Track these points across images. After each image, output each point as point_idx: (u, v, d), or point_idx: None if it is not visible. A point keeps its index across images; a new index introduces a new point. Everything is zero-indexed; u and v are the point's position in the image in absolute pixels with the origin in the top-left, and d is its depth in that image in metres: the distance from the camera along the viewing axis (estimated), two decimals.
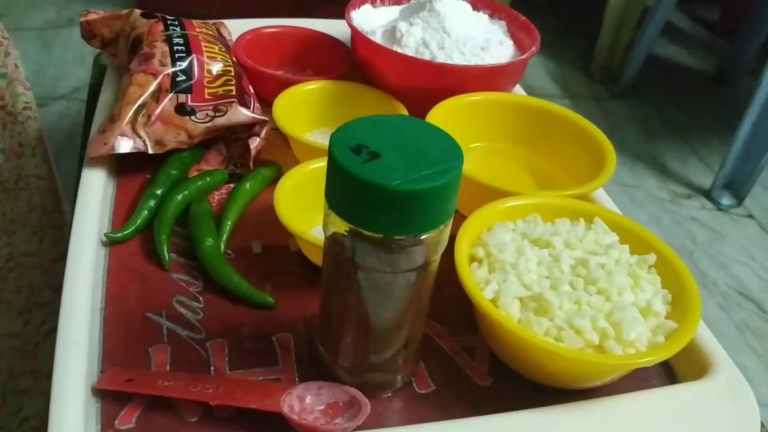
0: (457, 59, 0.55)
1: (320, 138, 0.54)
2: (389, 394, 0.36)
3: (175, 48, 0.51)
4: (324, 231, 0.32)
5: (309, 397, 0.34)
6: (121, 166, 0.50)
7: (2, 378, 0.52)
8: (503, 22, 0.61)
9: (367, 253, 0.30)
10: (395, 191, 0.27)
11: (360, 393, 0.34)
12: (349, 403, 0.34)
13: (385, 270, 0.31)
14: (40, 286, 0.59)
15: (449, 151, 0.29)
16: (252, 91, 0.55)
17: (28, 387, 0.52)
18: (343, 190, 0.29)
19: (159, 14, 0.55)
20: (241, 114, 0.50)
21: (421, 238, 0.30)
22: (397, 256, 0.30)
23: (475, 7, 0.61)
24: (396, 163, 0.28)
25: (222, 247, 0.44)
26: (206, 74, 0.51)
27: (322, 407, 0.33)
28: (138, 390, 0.35)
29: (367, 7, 0.62)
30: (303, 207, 0.43)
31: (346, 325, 0.34)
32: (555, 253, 0.39)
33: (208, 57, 0.52)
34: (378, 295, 0.32)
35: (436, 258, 0.32)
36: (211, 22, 0.60)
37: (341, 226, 0.30)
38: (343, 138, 0.29)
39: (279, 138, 0.53)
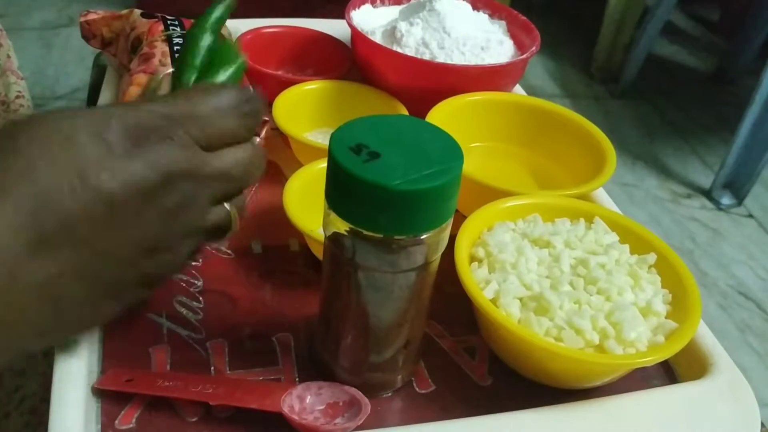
0: (457, 59, 0.55)
1: (320, 138, 0.54)
2: (389, 394, 0.36)
3: (175, 48, 0.51)
4: (324, 231, 0.32)
5: (309, 397, 0.34)
6: None
7: None
8: (503, 22, 0.61)
9: (367, 253, 0.30)
10: (395, 191, 0.27)
11: (360, 393, 0.34)
12: (349, 403, 0.34)
13: (385, 270, 0.31)
14: None
15: (449, 150, 0.29)
16: (252, 90, 0.55)
17: (24, 368, 0.51)
18: (343, 190, 0.29)
19: (159, 14, 0.55)
20: None
21: (421, 238, 0.30)
22: (397, 256, 0.30)
23: (475, 7, 0.61)
24: (396, 163, 0.28)
25: None
26: None
27: (322, 407, 0.33)
28: (138, 390, 0.35)
29: (367, 7, 0.62)
30: (311, 206, 0.43)
31: (346, 325, 0.34)
32: (555, 253, 0.39)
33: None
34: (378, 295, 0.32)
35: (437, 258, 0.32)
36: None
37: (341, 226, 0.30)
38: (343, 138, 0.29)
39: (279, 138, 0.53)
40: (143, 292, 0.31)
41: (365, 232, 0.29)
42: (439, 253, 0.32)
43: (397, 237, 0.29)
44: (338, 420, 0.33)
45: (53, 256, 0.26)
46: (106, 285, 0.29)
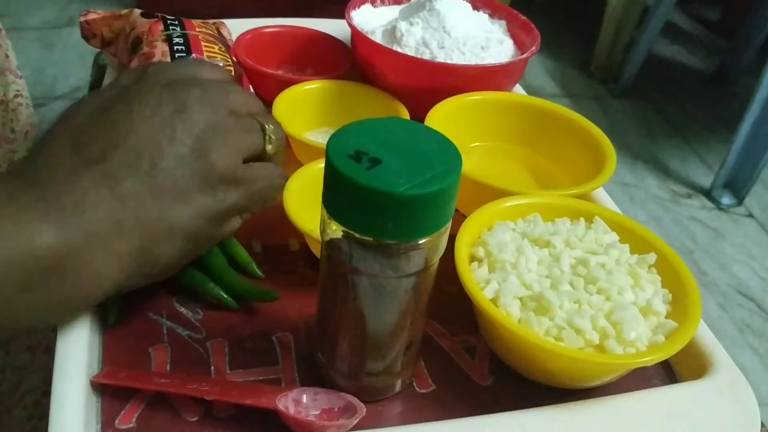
0: (457, 59, 0.55)
1: (320, 138, 0.54)
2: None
3: (175, 48, 0.51)
4: (321, 236, 0.32)
5: (305, 400, 0.34)
6: None
7: None
8: (503, 22, 0.61)
9: (367, 258, 0.30)
10: (404, 197, 0.27)
11: (356, 399, 0.34)
12: (344, 408, 0.34)
13: (387, 275, 0.30)
14: None
15: (446, 151, 0.29)
16: (252, 91, 0.55)
17: (26, 363, 0.52)
18: (347, 199, 0.28)
19: (159, 14, 0.55)
20: None
21: (424, 241, 0.29)
22: (398, 260, 0.30)
23: (475, 7, 0.61)
24: (399, 168, 0.28)
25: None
26: None
27: (317, 412, 0.33)
28: (134, 384, 0.35)
29: (367, 7, 0.62)
30: (311, 206, 0.43)
31: (344, 330, 0.34)
32: (555, 253, 0.39)
33: (208, 57, 0.52)
34: (379, 300, 0.32)
35: (436, 260, 0.32)
36: (211, 21, 0.60)
37: (341, 233, 0.29)
38: (340, 145, 0.28)
39: None
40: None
41: (370, 239, 0.29)
42: (440, 255, 0.32)
43: (401, 242, 0.29)
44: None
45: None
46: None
